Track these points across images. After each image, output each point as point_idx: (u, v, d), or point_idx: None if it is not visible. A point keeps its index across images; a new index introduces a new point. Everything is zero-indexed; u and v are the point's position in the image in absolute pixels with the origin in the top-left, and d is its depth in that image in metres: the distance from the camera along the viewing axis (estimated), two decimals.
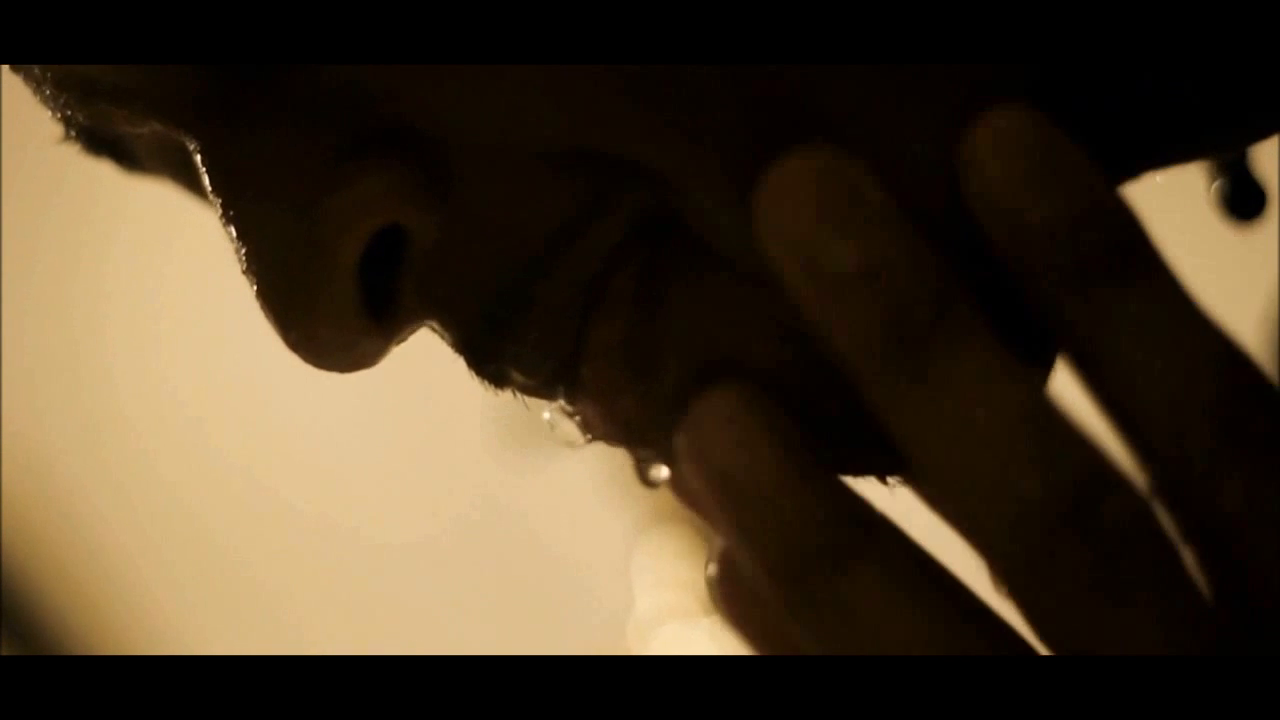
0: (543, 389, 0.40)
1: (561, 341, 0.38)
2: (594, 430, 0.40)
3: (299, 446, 1.78)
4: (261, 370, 1.71)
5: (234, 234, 0.38)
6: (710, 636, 1.08)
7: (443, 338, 0.39)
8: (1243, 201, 0.45)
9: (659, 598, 1.14)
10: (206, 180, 0.38)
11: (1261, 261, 0.64)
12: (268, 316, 0.38)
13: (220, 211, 0.38)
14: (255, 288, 0.38)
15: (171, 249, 1.68)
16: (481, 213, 0.37)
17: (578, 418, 0.40)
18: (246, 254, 0.38)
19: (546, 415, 0.41)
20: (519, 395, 0.40)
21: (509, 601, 1.74)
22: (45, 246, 1.71)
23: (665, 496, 1.29)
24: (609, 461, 1.21)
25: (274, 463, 1.78)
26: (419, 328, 0.39)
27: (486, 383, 0.40)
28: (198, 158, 0.38)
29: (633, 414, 0.39)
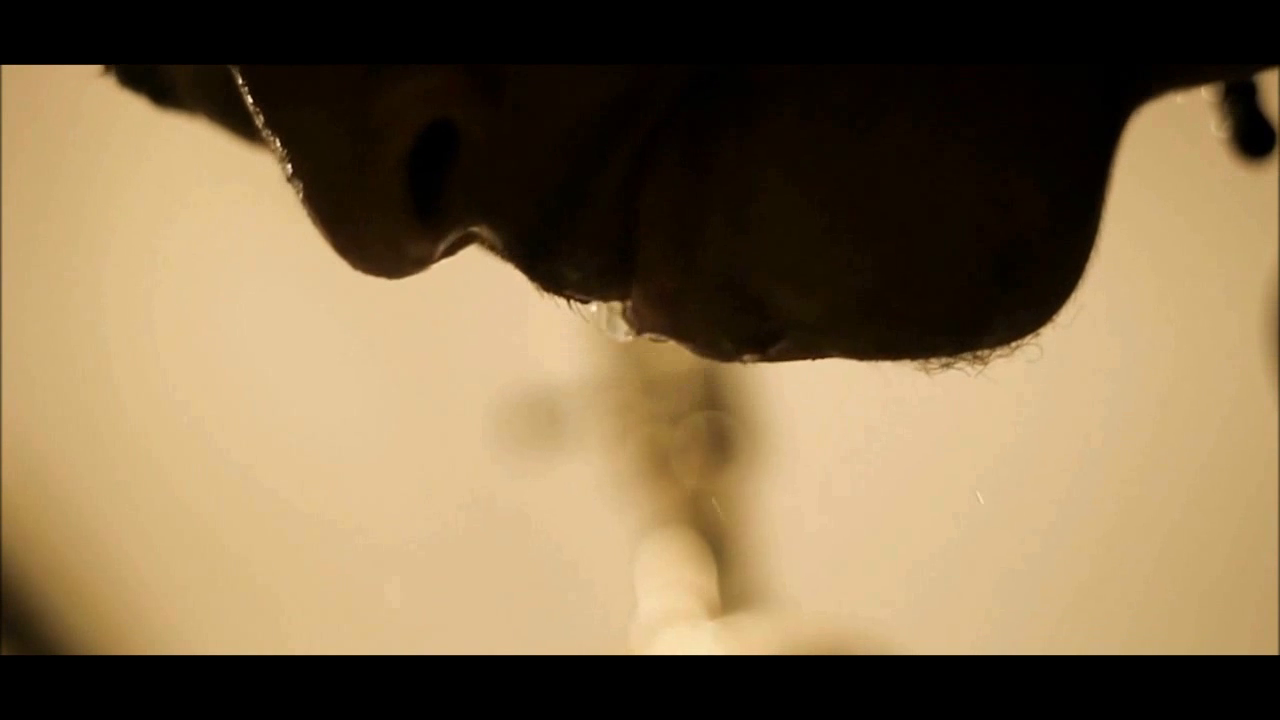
0: (596, 283, 0.39)
1: (616, 230, 0.38)
2: (645, 322, 0.40)
3: (300, 446, 1.77)
4: (262, 368, 1.71)
5: (279, 143, 0.37)
6: (714, 639, 1.07)
7: (491, 243, 0.39)
8: (1252, 138, 0.45)
9: (662, 601, 1.13)
10: (248, 94, 0.37)
11: (1262, 235, 0.64)
12: (315, 221, 0.38)
13: (263, 122, 0.37)
14: (302, 193, 0.38)
15: (172, 247, 1.68)
16: (533, 103, 0.37)
17: (630, 312, 0.40)
18: (292, 160, 0.37)
19: (593, 308, 0.40)
20: (572, 299, 0.40)
21: (511, 603, 1.74)
22: (45, 242, 1.71)
23: (669, 499, 1.28)
24: (612, 463, 1.20)
25: (275, 462, 1.77)
26: (465, 235, 0.39)
27: (540, 284, 0.39)
28: (237, 73, 0.37)
29: (676, 290, 0.39)
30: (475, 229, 0.39)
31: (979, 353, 0.40)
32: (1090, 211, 0.39)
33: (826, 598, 1.46)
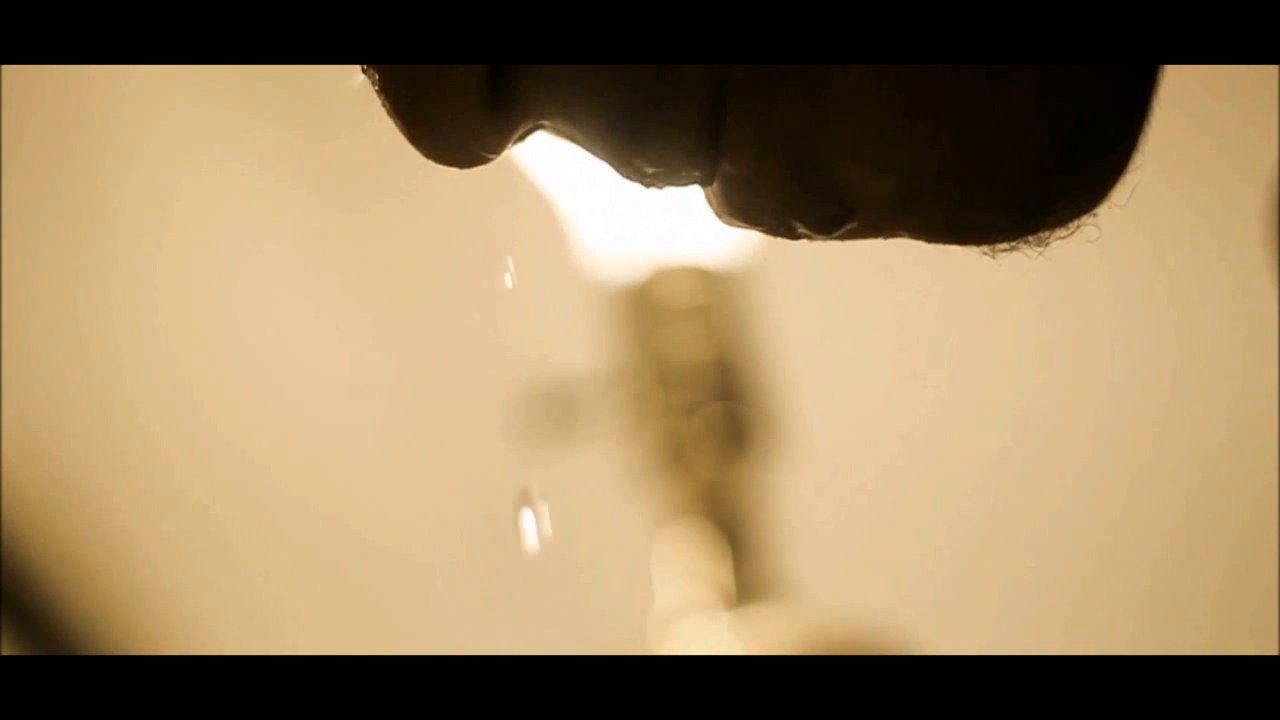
0: (680, 169, 0.40)
1: (705, 113, 0.39)
2: (723, 204, 0.41)
3: (311, 437, 1.77)
4: (273, 359, 1.71)
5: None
6: (731, 630, 1.07)
7: (567, 134, 0.39)
8: None
9: (679, 591, 1.13)
10: None
11: (1264, 139, 0.64)
12: (392, 112, 0.39)
13: None
14: (380, 84, 0.38)
15: (181, 238, 1.68)
16: None
17: (709, 195, 0.41)
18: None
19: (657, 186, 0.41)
20: (652, 185, 0.40)
21: (527, 594, 1.74)
22: (48, 229, 1.71)
23: (686, 490, 1.27)
24: (628, 454, 1.20)
25: (285, 452, 1.77)
26: (533, 127, 0.40)
27: (623, 172, 0.40)
28: None
29: (754, 171, 0.39)
30: (549, 121, 0.39)
31: (1040, 235, 0.41)
32: (1145, 97, 0.40)
33: (843, 588, 1.46)
